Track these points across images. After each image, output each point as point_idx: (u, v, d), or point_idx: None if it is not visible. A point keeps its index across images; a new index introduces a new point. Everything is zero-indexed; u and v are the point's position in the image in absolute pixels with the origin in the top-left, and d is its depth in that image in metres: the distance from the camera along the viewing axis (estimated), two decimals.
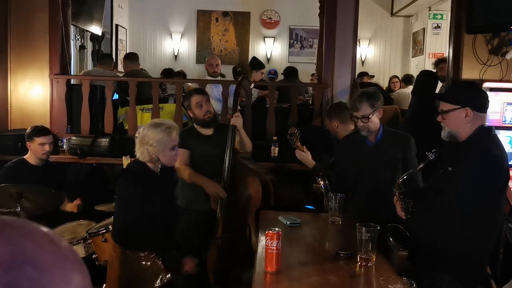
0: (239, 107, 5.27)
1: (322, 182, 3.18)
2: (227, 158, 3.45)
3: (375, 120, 3.07)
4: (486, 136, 2.45)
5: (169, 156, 2.74)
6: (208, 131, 3.62)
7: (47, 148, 3.81)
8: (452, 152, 2.57)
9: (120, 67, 8.72)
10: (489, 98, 2.58)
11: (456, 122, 2.45)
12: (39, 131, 3.82)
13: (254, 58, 7.06)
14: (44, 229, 0.56)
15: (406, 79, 7.92)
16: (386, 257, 2.37)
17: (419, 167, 2.57)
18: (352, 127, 3.59)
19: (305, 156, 3.48)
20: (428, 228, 2.52)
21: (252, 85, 4.72)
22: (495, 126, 2.75)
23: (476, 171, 2.36)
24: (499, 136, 2.60)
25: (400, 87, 8.05)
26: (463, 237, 2.42)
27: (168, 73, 7.50)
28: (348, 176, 3.16)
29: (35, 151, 3.79)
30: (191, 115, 3.67)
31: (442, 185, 2.49)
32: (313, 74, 7.88)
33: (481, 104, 2.48)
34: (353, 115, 3.10)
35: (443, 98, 2.57)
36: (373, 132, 3.10)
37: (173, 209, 2.94)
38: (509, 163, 2.54)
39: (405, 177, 2.56)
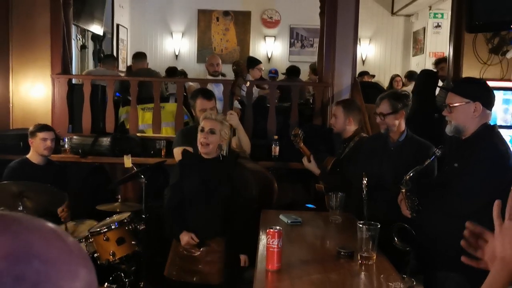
0: (239, 106, 5.29)
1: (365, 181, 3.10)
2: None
3: (393, 121, 3.04)
4: (491, 133, 2.45)
5: None
6: None
7: (49, 143, 3.79)
8: (457, 148, 2.56)
9: (121, 67, 8.73)
10: None
11: (464, 117, 2.43)
12: (42, 127, 3.84)
13: (248, 57, 7.11)
14: (51, 225, 0.57)
15: (410, 75, 7.93)
16: (387, 256, 2.37)
17: (425, 163, 2.51)
18: (354, 128, 3.57)
19: (311, 166, 3.51)
20: (435, 225, 2.51)
21: (248, 83, 4.73)
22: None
23: (485, 166, 2.36)
24: None
25: (402, 86, 8.06)
26: None
27: (171, 71, 7.48)
28: (369, 176, 3.05)
29: (37, 147, 3.77)
30: (194, 114, 3.67)
31: (448, 182, 2.47)
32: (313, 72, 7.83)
33: (489, 101, 2.48)
34: (375, 111, 3.12)
35: (454, 90, 2.53)
36: (395, 134, 3.06)
37: None
38: None
39: (411, 174, 2.51)
